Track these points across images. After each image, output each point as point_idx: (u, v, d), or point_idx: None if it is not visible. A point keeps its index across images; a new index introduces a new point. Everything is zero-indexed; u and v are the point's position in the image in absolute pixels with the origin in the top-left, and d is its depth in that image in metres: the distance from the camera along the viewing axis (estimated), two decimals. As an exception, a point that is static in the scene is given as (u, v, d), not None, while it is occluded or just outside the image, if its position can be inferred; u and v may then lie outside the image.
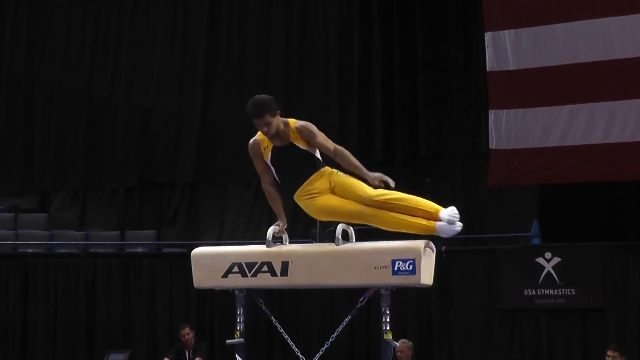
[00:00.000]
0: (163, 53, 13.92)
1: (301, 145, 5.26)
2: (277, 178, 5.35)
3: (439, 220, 5.09)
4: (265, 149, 5.32)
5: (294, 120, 5.31)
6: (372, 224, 5.15)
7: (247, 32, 13.70)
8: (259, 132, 5.31)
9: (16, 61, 14.41)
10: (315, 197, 5.18)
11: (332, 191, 5.19)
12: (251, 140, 5.40)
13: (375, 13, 13.00)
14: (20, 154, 14.18)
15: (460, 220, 5.11)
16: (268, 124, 5.20)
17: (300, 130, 5.26)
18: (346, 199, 5.15)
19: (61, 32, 14.34)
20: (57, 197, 14.10)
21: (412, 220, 5.07)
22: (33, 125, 14.22)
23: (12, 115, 14.31)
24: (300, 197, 5.25)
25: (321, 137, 5.26)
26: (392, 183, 5.10)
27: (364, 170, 5.15)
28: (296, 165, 5.26)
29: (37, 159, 14.15)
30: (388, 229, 5.14)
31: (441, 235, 5.12)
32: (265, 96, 5.30)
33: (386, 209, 5.08)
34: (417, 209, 5.08)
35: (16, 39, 14.46)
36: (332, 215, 5.19)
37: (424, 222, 5.08)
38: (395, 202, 5.07)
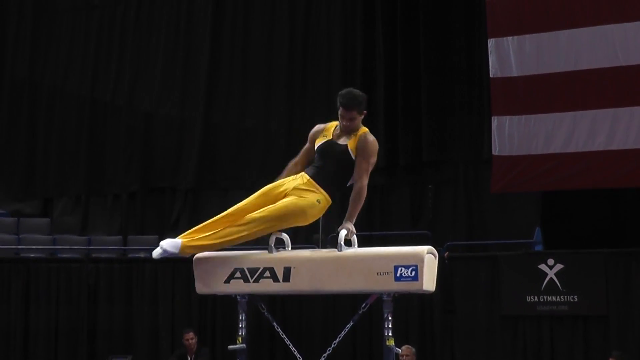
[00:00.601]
0: (166, 58, 13.94)
1: (351, 152, 5.22)
2: (307, 165, 5.33)
3: None
4: (324, 136, 5.31)
5: (366, 129, 5.30)
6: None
7: (250, 38, 13.71)
8: (331, 124, 5.34)
9: (19, 65, 14.44)
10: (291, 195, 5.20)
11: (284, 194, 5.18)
12: (319, 125, 5.41)
13: (379, 19, 13.01)
14: (23, 158, 14.19)
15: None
16: (352, 119, 5.23)
17: (364, 140, 5.23)
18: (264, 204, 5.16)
19: (64, 37, 14.37)
20: (59, 201, 14.11)
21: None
22: (36, 130, 14.24)
23: (15, 120, 14.33)
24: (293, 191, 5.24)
25: (370, 162, 5.20)
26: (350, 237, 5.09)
27: (352, 218, 5.12)
28: (331, 165, 5.22)
29: (39, 163, 14.16)
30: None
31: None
32: (361, 93, 5.33)
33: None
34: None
35: (20, 43, 14.49)
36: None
37: None
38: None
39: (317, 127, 5.43)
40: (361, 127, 5.30)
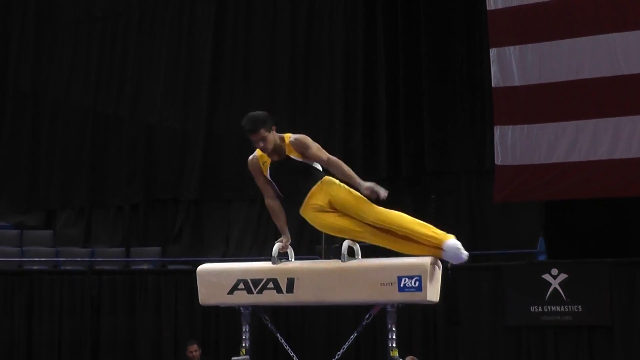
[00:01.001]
0: (168, 70, 13.96)
1: (297, 157, 5.31)
2: (279, 193, 5.37)
3: (443, 249, 5.13)
4: (264, 164, 5.39)
5: (288, 134, 5.39)
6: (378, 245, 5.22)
7: (252, 49, 13.73)
8: (257, 149, 5.36)
9: (22, 78, 14.47)
10: (319, 212, 5.21)
11: (332, 206, 5.20)
12: (250, 157, 5.48)
13: (380, 28, 13.02)
14: (26, 170, 14.21)
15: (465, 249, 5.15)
16: (264, 139, 5.28)
17: (294, 143, 5.34)
18: (348, 215, 5.17)
19: (67, 49, 14.40)
20: (62, 214, 14.11)
21: (418, 248, 5.14)
22: (39, 142, 14.25)
23: (18, 132, 14.35)
24: (305, 212, 5.30)
25: (315, 147, 5.33)
26: (383, 193, 5.11)
27: (357, 180, 5.21)
28: (296, 178, 5.28)
29: (42, 175, 14.17)
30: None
31: (449, 261, 5.16)
32: (260, 112, 5.42)
33: (391, 234, 5.11)
34: (422, 237, 5.10)
35: (22, 55, 14.52)
36: (339, 233, 5.27)
37: (430, 251, 5.13)
38: (399, 230, 5.08)
39: (251, 160, 5.47)
40: (280, 136, 5.38)
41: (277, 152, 5.35)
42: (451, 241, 5.10)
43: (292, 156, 5.32)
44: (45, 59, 14.47)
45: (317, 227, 5.31)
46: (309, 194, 5.25)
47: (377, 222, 5.14)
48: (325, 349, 10.24)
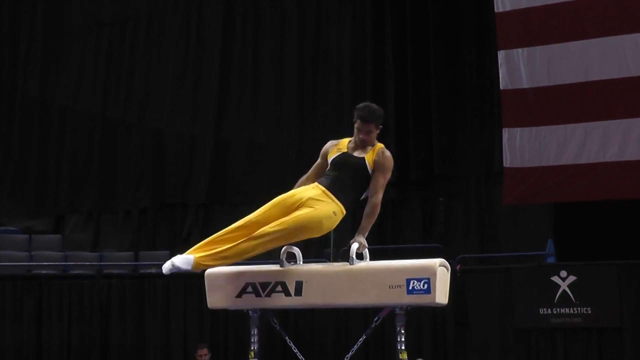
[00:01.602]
0: (176, 75, 13.99)
1: (369, 166, 5.24)
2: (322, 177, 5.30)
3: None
4: (338, 149, 5.34)
5: (383, 145, 5.34)
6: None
7: (260, 54, 13.74)
8: (345, 139, 5.38)
9: (31, 84, 14.50)
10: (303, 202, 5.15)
11: (299, 203, 5.13)
12: (333, 141, 5.44)
13: (388, 32, 13.03)
14: (34, 175, 14.24)
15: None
16: (370, 133, 5.25)
17: (382, 153, 5.27)
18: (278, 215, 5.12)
19: (75, 56, 14.44)
20: (71, 218, 14.14)
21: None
22: (47, 148, 14.29)
23: (26, 138, 14.38)
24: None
25: (385, 179, 5.24)
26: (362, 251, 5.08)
27: (365, 232, 5.14)
28: (349, 175, 5.22)
29: (51, 180, 14.20)
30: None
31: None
32: (379, 107, 5.37)
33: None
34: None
35: (31, 62, 14.56)
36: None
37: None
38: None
39: (330, 142, 5.45)
40: (377, 142, 5.31)
41: (361, 148, 5.30)
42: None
43: (366, 161, 5.25)
44: (54, 65, 14.50)
45: None
46: (328, 195, 5.16)
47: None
48: (334, 351, 10.24)
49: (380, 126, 5.33)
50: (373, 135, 5.29)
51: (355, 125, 5.30)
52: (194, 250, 5.13)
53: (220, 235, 5.16)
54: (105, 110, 14.16)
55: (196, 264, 5.05)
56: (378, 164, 5.24)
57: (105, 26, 14.39)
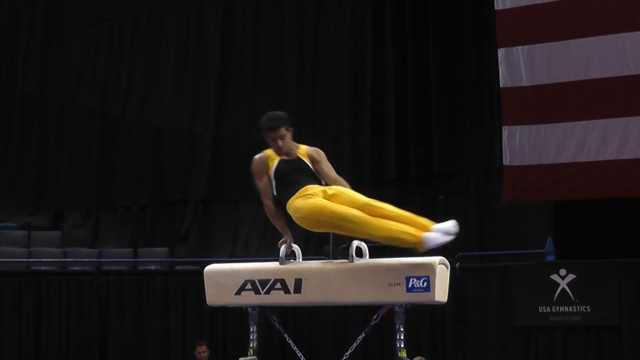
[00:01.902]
0: (176, 71, 13.97)
1: (307, 161, 5.28)
2: (274, 193, 5.31)
3: (430, 231, 4.91)
4: (271, 162, 5.32)
5: (304, 145, 5.39)
6: (358, 231, 4.97)
7: (260, 51, 13.73)
8: (268, 150, 5.35)
9: (30, 80, 14.49)
10: (310, 197, 5.09)
11: (327, 197, 5.14)
12: (257, 156, 5.40)
13: (388, 30, 13.00)
14: (33, 172, 14.23)
15: (455, 235, 4.91)
16: (283, 137, 5.26)
17: (310, 149, 5.35)
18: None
19: (74, 52, 14.42)
20: (70, 215, 14.14)
21: (400, 227, 4.92)
22: (47, 144, 14.28)
23: (26, 134, 14.37)
24: (293, 201, 5.13)
25: (328, 163, 5.31)
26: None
27: None
28: (301, 176, 5.22)
29: (50, 177, 14.19)
30: (372, 237, 4.99)
31: (427, 244, 4.87)
32: (280, 112, 5.39)
33: (379, 216, 4.99)
34: (411, 220, 4.98)
35: (30, 58, 14.54)
36: (321, 215, 5.00)
37: (412, 230, 4.92)
38: (389, 212, 4.99)
39: (259, 158, 5.38)
40: (294, 142, 5.35)
41: (288, 153, 5.30)
42: (446, 222, 4.98)
43: (303, 158, 5.28)
44: (53, 61, 14.48)
45: (301, 215, 5.07)
46: (302, 188, 5.14)
47: (370, 202, 4.99)
48: (333, 349, 10.23)
49: (291, 127, 5.32)
50: (288, 138, 5.29)
51: (268, 138, 5.30)
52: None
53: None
54: (105, 107, 14.15)
55: None
56: (314, 155, 5.31)
57: (105, 22, 14.38)
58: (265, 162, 5.34)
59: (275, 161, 5.31)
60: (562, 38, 10.59)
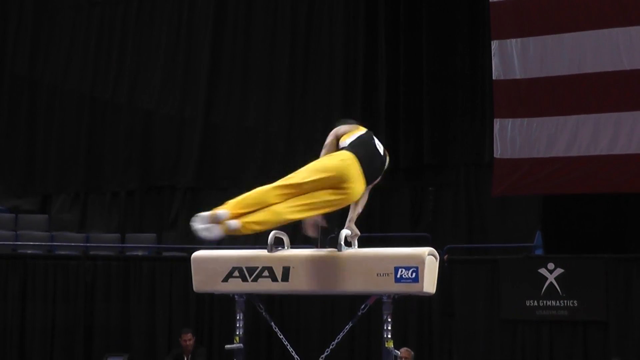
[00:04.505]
0: (167, 57, 13.90)
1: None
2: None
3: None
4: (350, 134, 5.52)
5: None
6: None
7: (252, 38, 13.67)
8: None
9: (19, 63, 14.40)
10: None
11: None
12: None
13: (381, 21, 12.96)
14: (22, 155, 14.16)
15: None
16: None
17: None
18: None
19: (65, 35, 14.33)
20: (58, 198, 14.07)
21: None
22: (35, 127, 14.20)
23: (14, 117, 14.29)
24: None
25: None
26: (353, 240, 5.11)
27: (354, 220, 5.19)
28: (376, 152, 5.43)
29: (38, 160, 14.12)
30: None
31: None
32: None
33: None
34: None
35: (20, 40, 14.45)
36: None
37: None
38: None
39: (344, 126, 5.65)
40: None
41: None
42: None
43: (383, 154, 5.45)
44: (43, 43, 14.39)
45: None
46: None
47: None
48: (320, 338, 10.21)
49: None
50: None
51: None
52: (229, 208, 4.97)
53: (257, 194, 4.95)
54: (95, 91, 14.07)
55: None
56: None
57: (97, 5, 14.29)
58: (347, 130, 5.68)
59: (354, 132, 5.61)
60: (556, 31, 10.58)
